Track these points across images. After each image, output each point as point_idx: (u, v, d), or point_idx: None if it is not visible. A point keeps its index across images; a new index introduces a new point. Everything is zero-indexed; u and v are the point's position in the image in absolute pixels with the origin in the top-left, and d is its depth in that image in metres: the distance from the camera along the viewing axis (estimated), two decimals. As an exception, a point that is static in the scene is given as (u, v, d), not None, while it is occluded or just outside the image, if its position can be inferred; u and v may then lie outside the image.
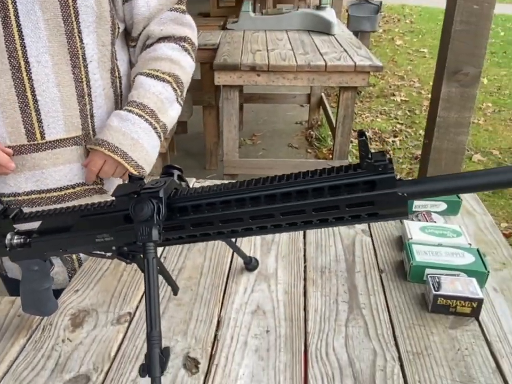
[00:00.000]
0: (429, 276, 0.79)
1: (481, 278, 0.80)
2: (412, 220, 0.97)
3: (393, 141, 3.87)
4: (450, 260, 0.83)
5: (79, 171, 0.90)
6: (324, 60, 2.33)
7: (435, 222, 0.96)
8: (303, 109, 4.21)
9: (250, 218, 0.55)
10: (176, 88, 0.94)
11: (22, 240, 0.64)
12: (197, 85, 3.01)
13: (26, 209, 0.88)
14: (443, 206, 1.02)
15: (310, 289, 0.81)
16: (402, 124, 4.23)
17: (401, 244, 0.93)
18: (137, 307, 0.77)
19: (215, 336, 0.72)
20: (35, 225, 0.64)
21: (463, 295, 0.75)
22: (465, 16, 1.77)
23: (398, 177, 0.50)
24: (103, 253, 0.63)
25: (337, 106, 2.47)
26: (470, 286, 0.77)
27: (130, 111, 0.88)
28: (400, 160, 3.57)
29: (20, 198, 0.88)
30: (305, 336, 0.71)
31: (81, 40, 0.82)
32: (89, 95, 0.88)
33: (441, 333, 0.72)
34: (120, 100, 0.97)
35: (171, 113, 0.94)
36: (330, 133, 3.46)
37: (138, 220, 0.52)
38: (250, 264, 0.84)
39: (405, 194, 0.49)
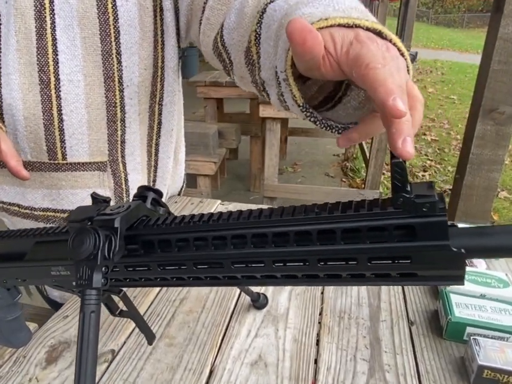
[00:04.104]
0: (471, 338, 0.53)
1: (539, 345, 0.54)
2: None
3: (423, 175, 3.52)
4: (498, 319, 0.56)
5: None
6: (361, 97, 2.10)
7: (476, 266, 0.70)
8: (341, 143, 3.95)
9: (231, 264, 0.33)
10: None
11: (-19, 262, 0.46)
12: (246, 117, 2.85)
13: (41, 225, 0.72)
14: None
15: (324, 339, 0.57)
16: (432, 160, 3.87)
17: (436, 290, 0.67)
18: (124, 343, 0.56)
19: (203, 392, 0.50)
20: None
21: (518, 369, 0.49)
22: (504, 56, 1.49)
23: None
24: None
25: (371, 140, 2.22)
26: (526, 356, 0.51)
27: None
28: (429, 193, 3.22)
29: (36, 212, 0.70)
30: (312, 405, 0.48)
31: (119, 62, 0.62)
32: (123, 120, 0.66)
33: (488, 419, 0.46)
34: (158, 128, 0.74)
35: None
36: (363, 165, 3.18)
37: (76, 258, 0.32)
38: (258, 302, 0.62)
39: (462, 250, 0.26)
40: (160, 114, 0.73)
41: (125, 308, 0.45)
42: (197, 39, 0.62)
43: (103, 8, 0.59)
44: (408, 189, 0.26)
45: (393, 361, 0.54)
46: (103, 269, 0.32)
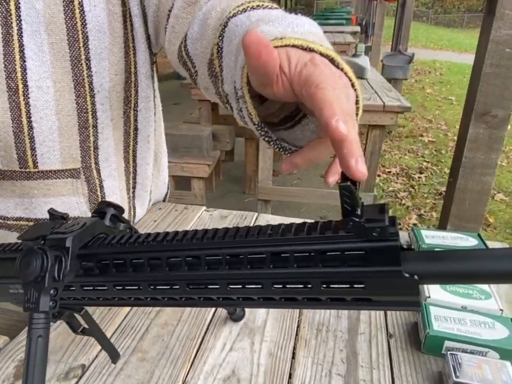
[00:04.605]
0: (449, 352, 0.52)
1: (517, 360, 0.53)
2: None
3: (419, 177, 3.51)
4: (477, 332, 0.55)
5: (72, 205, 0.69)
6: (354, 100, 2.09)
7: (459, 276, 0.69)
8: (337, 145, 3.94)
9: (186, 285, 0.32)
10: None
11: None
12: (241, 119, 2.84)
13: (15, 235, 0.71)
14: (468, 257, 0.74)
15: (300, 353, 0.56)
16: (428, 162, 3.86)
17: (417, 301, 0.66)
18: (95, 357, 0.55)
19: (173, 409, 0.48)
20: None
21: (494, 386, 0.48)
22: (496, 59, 1.49)
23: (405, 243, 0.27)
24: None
25: (365, 143, 2.21)
26: (503, 372, 0.50)
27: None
28: (425, 195, 3.21)
29: (8, 222, 0.69)
30: (282, 423, 0.47)
31: (88, 68, 0.61)
32: (95, 126, 0.66)
33: None
34: (135, 134, 0.74)
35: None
36: (360, 167, 3.18)
37: (24, 280, 0.31)
38: (234, 314, 0.61)
39: (415, 277, 0.25)
40: (135, 120, 0.72)
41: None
42: (164, 47, 0.62)
43: (71, 13, 0.58)
44: (359, 212, 0.26)
45: (369, 377, 0.53)
46: (52, 291, 0.31)
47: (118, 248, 0.33)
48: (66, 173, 0.66)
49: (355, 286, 0.27)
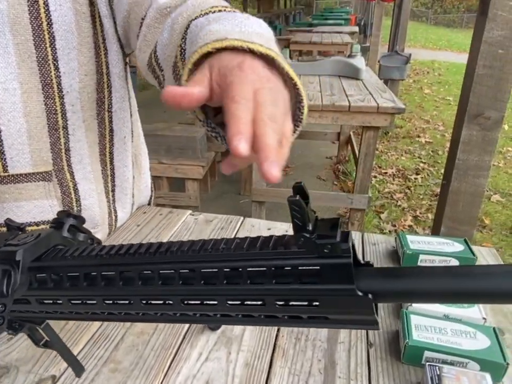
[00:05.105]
0: (427, 364, 0.51)
1: (497, 371, 0.52)
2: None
3: (415, 178, 3.50)
4: (458, 342, 0.54)
5: (45, 208, 0.67)
6: (348, 101, 2.08)
7: (443, 283, 0.68)
8: (334, 146, 3.93)
9: (140, 301, 0.31)
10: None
11: None
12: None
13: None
14: (454, 263, 0.73)
15: (277, 363, 0.55)
16: (425, 163, 3.85)
17: (399, 308, 0.65)
18: (66, 368, 0.54)
19: (143, 422, 0.47)
20: None
21: (473, 399, 0.47)
22: (488, 60, 1.47)
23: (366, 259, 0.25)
24: None
25: (359, 144, 2.20)
26: (483, 384, 0.49)
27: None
28: (421, 196, 3.20)
29: None
30: None
31: (56, 69, 0.60)
32: (65, 127, 0.65)
33: None
34: (110, 136, 0.73)
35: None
36: (355, 168, 3.16)
37: (-31, 295, 0.30)
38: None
39: (369, 295, 0.24)
40: (110, 121, 0.71)
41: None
42: (135, 52, 0.61)
43: (36, 13, 0.57)
44: (310, 227, 0.24)
45: (347, 388, 0.51)
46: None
47: (71, 261, 0.32)
48: (37, 176, 0.65)
49: (309, 303, 0.26)
